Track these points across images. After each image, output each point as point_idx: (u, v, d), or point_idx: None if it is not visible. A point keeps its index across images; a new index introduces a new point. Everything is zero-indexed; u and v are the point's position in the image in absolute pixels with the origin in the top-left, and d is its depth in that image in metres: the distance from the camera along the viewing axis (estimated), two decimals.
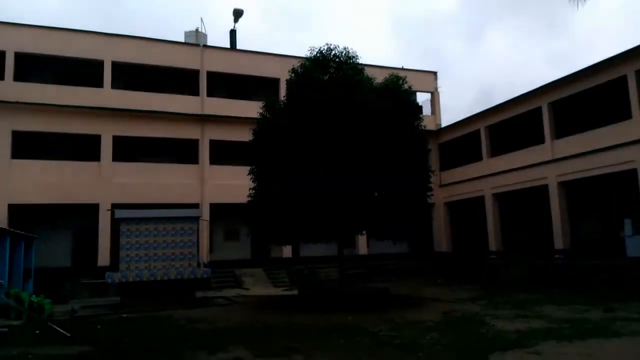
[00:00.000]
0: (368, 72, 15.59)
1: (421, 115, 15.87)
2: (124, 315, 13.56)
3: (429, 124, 25.93)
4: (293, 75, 14.81)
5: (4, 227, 16.86)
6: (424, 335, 9.05)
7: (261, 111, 16.08)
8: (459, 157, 28.62)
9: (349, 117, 13.40)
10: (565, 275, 19.56)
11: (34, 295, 14.85)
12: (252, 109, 20.21)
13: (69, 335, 9.89)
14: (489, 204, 25.02)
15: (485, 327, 9.68)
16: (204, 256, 22.37)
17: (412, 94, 16.94)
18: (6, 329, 11.30)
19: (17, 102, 20.95)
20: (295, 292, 17.50)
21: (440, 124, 29.67)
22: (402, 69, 26.76)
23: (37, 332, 10.94)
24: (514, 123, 25.31)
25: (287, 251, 24.30)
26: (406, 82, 15.34)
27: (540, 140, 22.44)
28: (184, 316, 12.99)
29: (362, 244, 26.08)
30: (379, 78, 15.73)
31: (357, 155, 13.07)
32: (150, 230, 15.96)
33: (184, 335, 10.00)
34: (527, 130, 24.96)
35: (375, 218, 13.96)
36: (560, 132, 21.55)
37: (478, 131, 26.06)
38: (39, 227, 21.86)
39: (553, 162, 21.21)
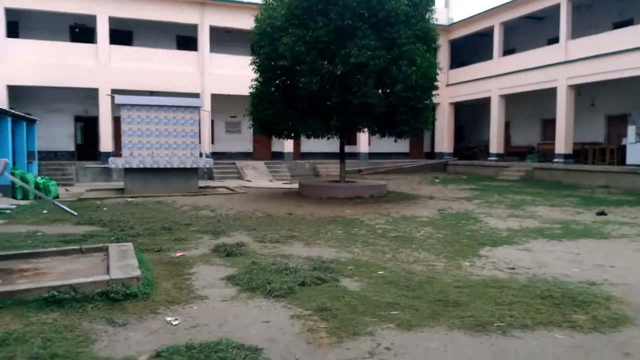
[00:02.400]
0: None
1: (433, 7, 14.93)
2: (129, 199, 13.97)
3: (440, 18, 24.67)
4: None
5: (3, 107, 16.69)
6: (418, 230, 9.36)
7: None
8: (469, 55, 27.63)
9: (357, 6, 12.67)
10: (563, 179, 19.90)
11: (39, 177, 15.15)
12: None
13: (76, 214, 10.21)
14: (494, 106, 24.62)
15: (478, 224, 9.98)
16: (206, 147, 22.50)
17: None
18: (15, 206, 11.67)
19: None
20: (295, 185, 17.87)
21: (453, 19, 28.15)
22: None
23: (45, 211, 11.30)
24: (530, 20, 24.13)
25: (288, 145, 24.42)
26: None
27: (555, 40, 21.50)
28: (187, 202, 13.37)
29: (363, 142, 26.12)
30: None
31: (363, 47, 12.52)
32: (151, 118, 15.85)
33: (188, 220, 10.34)
34: (543, 28, 23.88)
35: (378, 114, 13.79)
36: (576, 32, 20.55)
37: (492, 28, 24.82)
38: (40, 111, 21.77)
39: (565, 63, 20.46)
